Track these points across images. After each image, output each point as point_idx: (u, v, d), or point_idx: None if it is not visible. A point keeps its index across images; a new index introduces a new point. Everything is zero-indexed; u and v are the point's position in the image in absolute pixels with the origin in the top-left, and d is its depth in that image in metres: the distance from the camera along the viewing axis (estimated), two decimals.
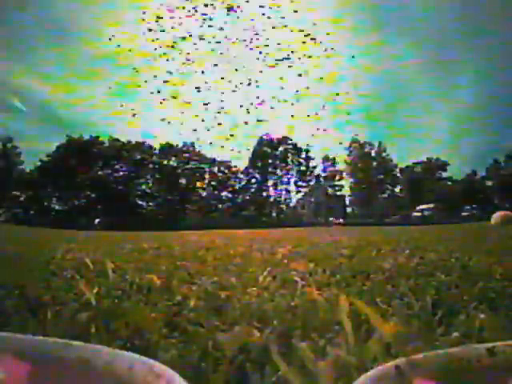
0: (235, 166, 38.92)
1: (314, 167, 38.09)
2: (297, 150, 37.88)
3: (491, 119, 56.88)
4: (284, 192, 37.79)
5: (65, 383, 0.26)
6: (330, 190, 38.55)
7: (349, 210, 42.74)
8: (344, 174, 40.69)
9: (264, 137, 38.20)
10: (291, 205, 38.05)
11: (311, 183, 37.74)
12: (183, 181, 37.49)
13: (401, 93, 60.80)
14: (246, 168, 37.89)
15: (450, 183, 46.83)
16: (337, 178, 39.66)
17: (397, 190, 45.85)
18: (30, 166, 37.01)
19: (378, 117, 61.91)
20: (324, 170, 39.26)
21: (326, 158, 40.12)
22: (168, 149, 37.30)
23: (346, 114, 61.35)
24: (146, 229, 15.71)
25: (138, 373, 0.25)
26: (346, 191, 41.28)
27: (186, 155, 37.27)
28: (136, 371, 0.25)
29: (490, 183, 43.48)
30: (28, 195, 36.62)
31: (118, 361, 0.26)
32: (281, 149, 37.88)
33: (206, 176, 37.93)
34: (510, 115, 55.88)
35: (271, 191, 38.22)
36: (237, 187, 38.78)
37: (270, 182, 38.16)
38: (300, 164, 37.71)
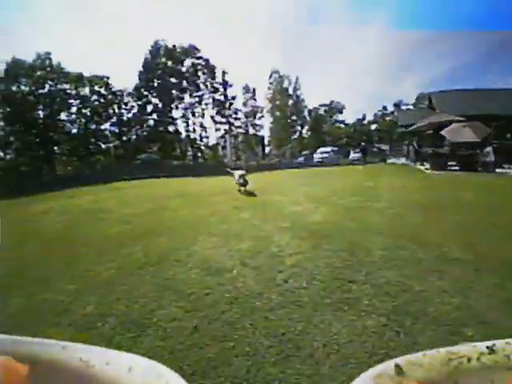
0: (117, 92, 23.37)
1: (234, 98, 27.26)
2: (210, 69, 25.26)
3: (391, 67, 58.19)
4: (198, 128, 25.94)
5: None
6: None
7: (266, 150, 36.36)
8: (264, 111, 32.08)
9: (160, 42, 23.14)
10: (210, 144, 27.15)
11: (231, 119, 27.27)
12: (41, 113, 19.97)
13: (325, 25, 53.02)
14: (136, 88, 23.01)
15: (342, 126, 46.44)
16: (258, 115, 30.61)
17: (304, 131, 41.85)
18: None
19: (297, 46, 53.87)
20: (245, 104, 29.17)
21: (246, 88, 29.74)
22: (17, 67, 18.33)
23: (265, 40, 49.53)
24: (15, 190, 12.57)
25: (138, 373, 0.23)
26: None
27: (41, 73, 19.04)
28: (135, 371, 0.24)
29: (373, 127, 45.18)
30: None
31: (118, 361, 0.24)
32: (187, 63, 24.30)
33: (73, 101, 21.20)
34: (407, 66, 58.45)
35: (181, 125, 25.52)
36: (125, 117, 24.15)
37: (179, 113, 25.11)
38: (216, 90, 25.86)
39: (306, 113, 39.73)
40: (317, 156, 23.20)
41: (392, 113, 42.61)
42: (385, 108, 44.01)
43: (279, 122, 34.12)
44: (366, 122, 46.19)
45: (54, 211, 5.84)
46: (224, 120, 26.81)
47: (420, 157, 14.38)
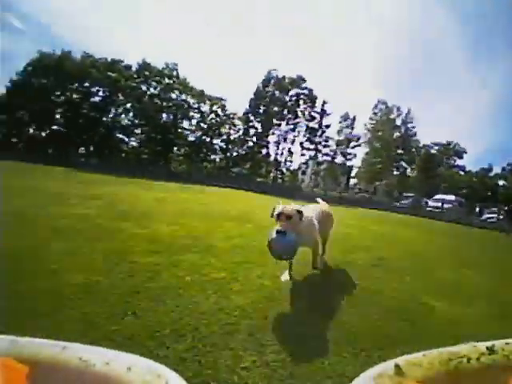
0: (230, 117, 26.66)
1: (328, 126, 26.26)
2: (311, 98, 25.58)
3: None
4: (286, 152, 26.33)
5: (65, 383, 0.25)
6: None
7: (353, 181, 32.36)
8: (361, 140, 28.76)
9: (273, 72, 25.46)
10: (291, 168, 26.94)
11: (320, 146, 26.20)
12: (165, 116, 25.59)
13: (437, 64, 46.74)
14: (246, 113, 25.81)
15: (462, 173, 35.92)
16: (352, 144, 27.89)
17: (409, 170, 34.70)
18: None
19: (411, 82, 49.23)
20: (339, 133, 27.50)
21: (345, 117, 28.10)
22: (147, 70, 24.72)
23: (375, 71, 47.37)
24: (130, 172, 14.77)
25: (138, 373, 0.23)
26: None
27: (168, 81, 24.79)
28: (135, 371, 0.24)
29: (501, 183, 32.37)
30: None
31: (118, 361, 0.24)
32: (292, 93, 25.50)
33: (193, 114, 26.00)
34: None
35: (272, 148, 26.67)
36: (233, 137, 27.27)
37: (273, 138, 26.42)
38: (312, 119, 25.75)
39: (414, 149, 33.26)
40: (433, 203, 18.48)
41: None
42: None
43: (378, 154, 29.70)
44: (492, 174, 33.80)
45: (97, 198, 5.41)
46: (312, 147, 26.07)
47: None
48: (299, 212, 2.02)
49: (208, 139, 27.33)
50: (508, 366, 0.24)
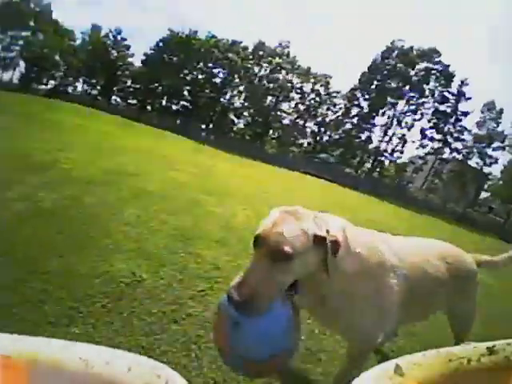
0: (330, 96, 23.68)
1: (466, 114, 19.44)
2: (446, 75, 19.39)
3: None
4: (396, 139, 21.29)
5: (65, 383, 0.24)
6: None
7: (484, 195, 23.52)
8: (506, 142, 19.95)
9: (398, 42, 20.41)
10: (399, 161, 21.72)
11: (450, 138, 19.83)
12: (269, 99, 25.27)
13: None
14: (353, 89, 22.12)
15: None
16: (494, 144, 19.82)
17: None
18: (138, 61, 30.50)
19: None
20: (479, 125, 20.01)
21: (489, 105, 20.41)
22: (261, 50, 24.52)
23: None
24: (235, 149, 15.36)
25: (138, 373, 0.23)
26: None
27: (278, 60, 23.85)
28: (135, 371, 0.23)
29: None
30: (137, 89, 30.85)
31: (118, 361, 0.24)
32: (420, 67, 19.95)
33: (293, 95, 24.60)
34: None
35: (376, 134, 22.12)
36: (329, 118, 24.53)
37: (382, 120, 21.80)
38: (444, 100, 19.61)
39: None
40: None
41: None
42: None
43: None
44: None
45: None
46: (438, 137, 19.80)
47: None
48: (325, 240, 0.68)
49: (301, 122, 25.65)
50: (508, 367, 0.24)
